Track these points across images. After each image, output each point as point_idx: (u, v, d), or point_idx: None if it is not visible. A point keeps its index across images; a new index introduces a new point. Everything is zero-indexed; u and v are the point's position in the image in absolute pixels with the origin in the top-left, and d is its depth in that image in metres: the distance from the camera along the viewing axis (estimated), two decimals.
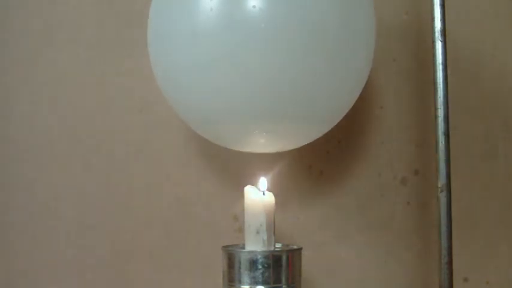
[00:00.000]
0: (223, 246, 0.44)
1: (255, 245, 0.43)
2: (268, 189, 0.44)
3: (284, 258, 0.42)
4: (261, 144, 0.44)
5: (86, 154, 0.54)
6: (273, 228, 0.43)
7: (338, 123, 0.45)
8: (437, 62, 0.46)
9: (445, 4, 0.46)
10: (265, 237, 0.43)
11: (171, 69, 0.42)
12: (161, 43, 0.42)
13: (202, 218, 0.53)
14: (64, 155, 0.54)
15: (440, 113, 0.46)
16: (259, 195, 0.43)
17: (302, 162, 0.53)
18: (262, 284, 0.42)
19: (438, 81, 0.46)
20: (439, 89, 0.46)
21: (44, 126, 0.54)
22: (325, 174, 0.54)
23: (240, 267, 0.42)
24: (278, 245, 0.45)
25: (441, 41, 0.46)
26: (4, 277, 0.54)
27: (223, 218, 0.53)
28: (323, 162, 0.54)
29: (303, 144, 0.46)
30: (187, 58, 0.40)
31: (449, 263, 0.45)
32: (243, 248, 0.43)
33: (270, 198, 0.44)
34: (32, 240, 0.54)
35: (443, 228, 0.45)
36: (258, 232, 0.43)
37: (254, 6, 0.38)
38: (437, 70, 0.46)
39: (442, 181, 0.45)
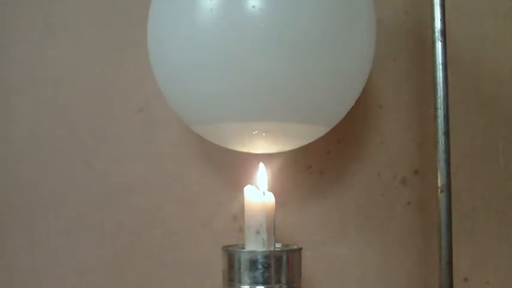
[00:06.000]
0: (223, 246, 0.44)
1: (255, 245, 0.43)
2: (268, 189, 0.44)
3: (284, 258, 0.42)
4: (261, 144, 0.44)
5: (86, 154, 0.54)
6: (273, 228, 0.43)
7: (338, 123, 0.45)
8: (437, 62, 0.46)
9: (445, 4, 0.46)
10: (265, 238, 0.43)
11: (171, 69, 0.42)
12: (161, 43, 0.42)
13: (202, 218, 0.53)
14: (64, 155, 0.54)
15: (440, 113, 0.46)
16: (259, 195, 0.43)
17: (302, 162, 0.53)
18: (262, 284, 0.42)
19: (438, 81, 0.46)
20: (439, 89, 0.46)
21: (44, 126, 0.54)
22: (325, 174, 0.54)
23: (240, 267, 0.42)
24: (278, 245, 0.45)
25: (441, 41, 0.46)
26: (4, 277, 0.54)
27: (223, 218, 0.53)
28: (323, 162, 0.54)
29: (303, 144, 0.46)
30: (187, 58, 0.40)
31: (449, 263, 0.45)
32: (243, 248, 0.43)
33: (270, 198, 0.44)
34: (32, 240, 0.54)
35: (443, 228, 0.45)
36: (258, 232, 0.43)
37: (254, 7, 0.38)
38: (437, 70, 0.46)
39: (442, 181, 0.45)
